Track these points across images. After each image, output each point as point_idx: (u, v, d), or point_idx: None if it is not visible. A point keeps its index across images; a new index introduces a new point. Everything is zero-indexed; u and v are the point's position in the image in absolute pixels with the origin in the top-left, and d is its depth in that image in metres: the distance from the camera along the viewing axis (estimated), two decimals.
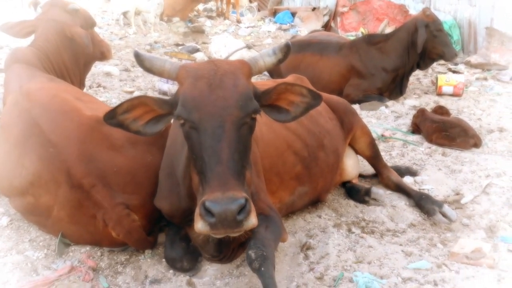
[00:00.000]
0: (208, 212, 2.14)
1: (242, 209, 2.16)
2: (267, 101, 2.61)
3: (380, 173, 4.44)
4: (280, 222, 3.14)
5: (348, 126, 4.27)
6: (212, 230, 2.18)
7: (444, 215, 3.81)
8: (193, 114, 2.35)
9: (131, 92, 7.63)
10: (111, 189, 3.14)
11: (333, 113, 4.25)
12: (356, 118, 4.39)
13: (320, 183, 3.83)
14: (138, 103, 2.55)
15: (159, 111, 2.58)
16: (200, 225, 2.20)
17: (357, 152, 4.43)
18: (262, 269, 2.59)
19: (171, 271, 3.17)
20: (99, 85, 7.91)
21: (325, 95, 4.43)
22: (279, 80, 4.54)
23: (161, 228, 3.52)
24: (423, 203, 3.95)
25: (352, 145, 4.39)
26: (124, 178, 3.21)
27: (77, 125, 3.33)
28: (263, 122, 3.24)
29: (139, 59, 2.51)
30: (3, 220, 3.74)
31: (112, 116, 2.55)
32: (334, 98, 4.50)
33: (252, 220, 2.22)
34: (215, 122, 2.31)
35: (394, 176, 4.37)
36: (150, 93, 7.68)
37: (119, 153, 3.29)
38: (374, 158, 4.42)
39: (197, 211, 2.21)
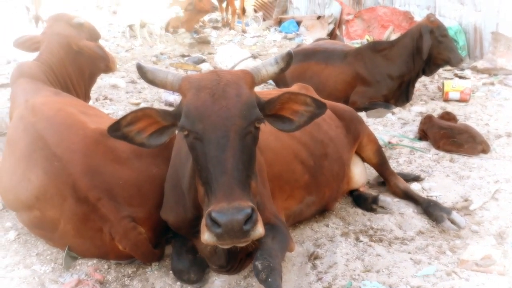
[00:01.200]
0: (214, 222, 2.12)
1: (249, 219, 2.14)
2: (270, 111, 2.61)
3: (387, 180, 4.41)
4: (287, 232, 3.12)
5: (355, 134, 4.25)
6: (219, 241, 2.17)
7: (452, 222, 3.78)
8: (196, 125, 2.34)
9: (138, 104, 7.66)
10: (117, 202, 3.13)
11: (339, 121, 4.23)
12: (363, 125, 4.37)
13: (327, 192, 3.81)
14: (142, 115, 2.56)
15: (163, 123, 2.59)
16: (206, 236, 2.17)
17: (364, 160, 4.41)
18: (269, 280, 2.57)
19: (178, 283, 3.16)
20: (105, 98, 7.96)
21: (330, 103, 4.42)
22: (284, 89, 4.55)
23: (168, 240, 3.51)
24: (431, 210, 3.92)
25: (359, 153, 4.37)
26: (130, 190, 3.21)
27: (82, 138, 3.34)
28: (269, 131, 3.23)
29: (142, 72, 2.52)
30: (10, 234, 3.75)
31: (116, 129, 2.56)
32: (340, 106, 4.49)
33: (259, 230, 2.21)
34: (219, 132, 2.30)
35: (402, 183, 4.34)
36: (157, 105, 7.71)
37: (124, 165, 3.29)
38: (381, 165, 4.39)
39: (203, 222, 2.20)
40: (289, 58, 2.57)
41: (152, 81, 2.53)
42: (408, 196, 4.24)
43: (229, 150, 2.28)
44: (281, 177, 3.43)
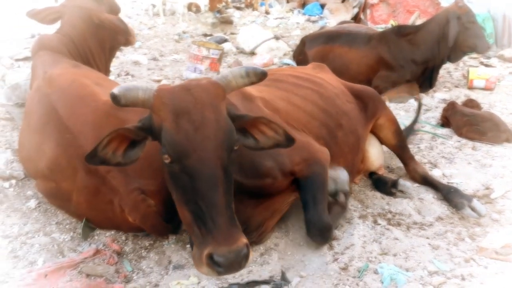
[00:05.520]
0: (215, 263, 2.17)
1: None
2: (240, 125, 2.59)
3: (406, 164, 4.34)
4: (322, 170, 3.31)
5: (372, 110, 4.17)
6: (219, 275, 2.27)
7: (473, 209, 3.70)
8: (183, 160, 2.30)
9: (159, 81, 7.67)
10: (126, 175, 3.11)
11: (355, 98, 4.18)
12: (382, 104, 4.28)
13: (341, 162, 3.74)
14: (116, 135, 2.48)
15: (134, 138, 2.55)
16: (206, 271, 2.23)
17: (382, 141, 4.33)
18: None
19: None
20: (127, 74, 7.99)
21: (348, 84, 4.37)
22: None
23: None
24: (451, 197, 3.86)
25: (376, 134, 4.30)
26: (140, 163, 3.17)
27: (93, 110, 3.31)
28: (280, 96, 3.45)
29: (115, 100, 2.38)
30: (31, 202, 3.81)
31: (94, 155, 2.46)
32: (359, 86, 4.40)
33: (250, 260, 2.28)
34: (207, 169, 2.28)
35: (421, 168, 4.27)
36: (178, 82, 7.70)
37: None
38: (399, 147, 4.31)
39: (202, 259, 2.21)
40: (263, 76, 2.55)
41: (125, 104, 2.40)
42: (427, 182, 4.17)
43: (220, 188, 2.28)
44: None
